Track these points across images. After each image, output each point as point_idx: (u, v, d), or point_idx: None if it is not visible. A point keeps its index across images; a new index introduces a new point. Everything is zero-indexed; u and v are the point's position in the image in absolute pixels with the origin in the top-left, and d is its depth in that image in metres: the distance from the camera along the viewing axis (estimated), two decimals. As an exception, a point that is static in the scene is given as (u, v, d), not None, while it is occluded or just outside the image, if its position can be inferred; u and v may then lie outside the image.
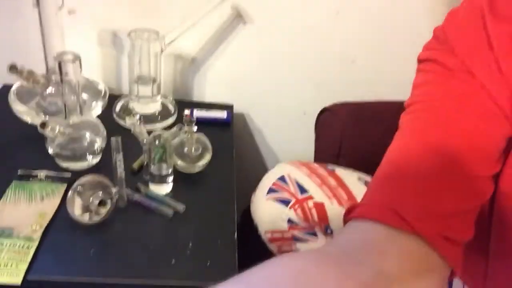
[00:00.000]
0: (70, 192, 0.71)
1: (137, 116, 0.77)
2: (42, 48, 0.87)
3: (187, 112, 1.00)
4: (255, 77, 1.10)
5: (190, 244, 0.72)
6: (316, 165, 0.85)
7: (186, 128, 0.83)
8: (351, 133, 0.97)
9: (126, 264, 0.68)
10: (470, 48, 0.46)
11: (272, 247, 0.81)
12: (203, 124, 0.92)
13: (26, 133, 0.87)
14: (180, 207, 0.77)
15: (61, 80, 0.73)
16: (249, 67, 1.09)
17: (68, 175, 0.79)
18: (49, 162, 0.82)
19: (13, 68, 0.80)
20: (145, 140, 0.78)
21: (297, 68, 1.09)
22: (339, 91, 1.10)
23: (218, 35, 1.03)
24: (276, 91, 1.12)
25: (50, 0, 0.81)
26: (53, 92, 0.87)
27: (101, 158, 0.84)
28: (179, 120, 0.99)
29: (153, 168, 0.78)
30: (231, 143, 0.97)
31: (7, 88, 0.97)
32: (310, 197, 0.78)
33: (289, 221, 0.78)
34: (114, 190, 0.73)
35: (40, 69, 0.93)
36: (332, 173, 0.83)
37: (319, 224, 0.78)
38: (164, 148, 0.76)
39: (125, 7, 0.98)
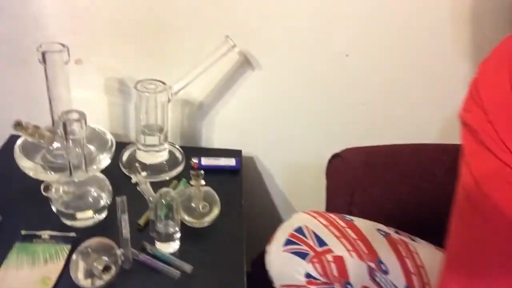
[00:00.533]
0: (73, 256, 0.69)
1: (143, 174, 0.75)
2: (48, 100, 0.86)
3: (194, 160, 0.99)
4: (264, 122, 1.08)
5: (198, 309, 0.69)
6: (333, 216, 0.81)
7: (193, 181, 0.81)
8: (364, 180, 0.94)
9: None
10: (502, 118, 0.45)
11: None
12: (211, 172, 0.90)
13: (32, 188, 0.86)
14: (188, 267, 0.74)
15: (66, 139, 0.72)
16: (257, 112, 1.07)
17: (72, 234, 0.77)
18: (54, 220, 0.80)
19: (18, 125, 0.79)
20: (151, 198, 0.76)
21: (306, 113, 1.07)
22: (349, 135, 1.08)
23: (226, 80, 1.02)
24: (285, 136, 1.10)
25: (56, 56, 0.80)
26: (59, 146, 0.86)
27: (108, 212, 0.82)
28: (187, 168, 0.98)
29: (159, 226, 0.76)
30: (240, 193, 0.94)
31: (14, 139, 0.97)
32: (329, 250, 0.75)
33: (308, 275, 0.75)
34: (119, 252, 0.71)
35: (46, 121, 0.93)
36: (350, 224, 0.80)
37: (338, 280, 0.74)
38: (170, 206, 0.74)
39: (131, 56, 0.98)
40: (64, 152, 0.87)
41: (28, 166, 0.86)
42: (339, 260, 0.74)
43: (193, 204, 0.81)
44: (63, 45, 0.81)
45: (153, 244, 0.78)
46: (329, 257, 0.74)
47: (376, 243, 0.76)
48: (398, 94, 1.04)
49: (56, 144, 0.87)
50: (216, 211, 0.82)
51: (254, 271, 1.02)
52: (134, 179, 0.75)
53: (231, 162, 1.00)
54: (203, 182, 0.82)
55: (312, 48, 0.98)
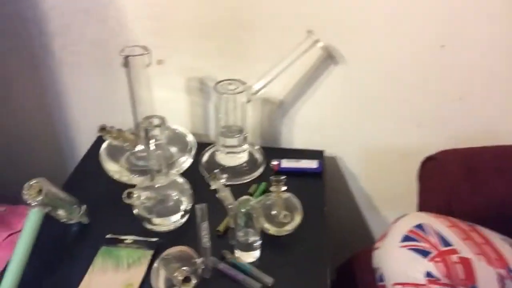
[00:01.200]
0: (155, 264, 0.68)
1: (222, 180, 0.73)
2: (131, 103, 0.86)
3: (274, 163, 0.95)
4: (348, 119, 1.01)
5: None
6: (454, 219, 0.75)
7: (274, 188, 0.77)
8: (463, 188, 0.83)
9: None
10: None
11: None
12: (291, 175, 0.85)
13: (116, 191, 0.87)
14: (269, 280, 0.71)
15: (148, 146, 0.71)
16: (339, 110, 1.00)
17: (155, 239, 0.77)
18: (136, 224, 0.80)
19: (102, 129, 0.80)
20: (230, 206, 0.73)
21: (395, 108, 0.98)
22: (444, 134, 0.97)
23: (307, 77, 0.97)
24: (370, 135, 1.02)
25: (138, 59, 0.80)
26: (142, 148, 0.87)
27: (189, 216, 0.81)
28: (267, 170, 0.94)
29: (239, 235, 0.73)
30: (323, 199, 0.88)
31: (100, 141, 0.99)
32: (454, 251, 0.69)
33: (428, 274, 0.69)
34: (199, 261, 0.69)
35: (129, 122, 0.94)
36: (473, 228, 0.73)
37: (464, 283, 0.67)
38: (250, 215, 0.71)
39: (211, 55, 0.96)
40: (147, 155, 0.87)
41: (113, 169, 0.87)
42: (465, 262, 0.68)
43: (273, 212, 0.77)
44: (145, 48, 0.80)
45: (232, 251, 0.75)
46: (454, 258, 0.68)
47: (504, 249, 0.70)
48: (501, 88, 0.92)
49: (139, 147, 0.88)
50: (298, 219, 0.78)
51: (339, 279, 0.97)
52: (213, 185, 0.73)
53: (313, 164, 0.94)
54: (284, 188, 0.77)
55: (402, 38, 0.89)
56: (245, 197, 0.71)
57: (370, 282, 0.80)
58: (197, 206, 0.68)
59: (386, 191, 1.09)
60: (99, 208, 0.84)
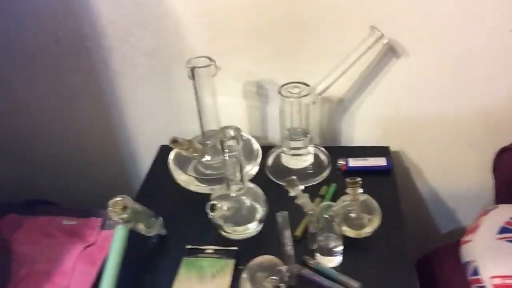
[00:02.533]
0: (243, 275, 0.69)
1: (301, 187, 0.72)
2: (197, 113, 0.87)
3: (342, 162, 0.93)
4: (410, 113, 0.98)
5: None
6: None
7: (350, 190, 0.76)
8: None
9: None
10: None
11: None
12: (359, 174, 0.84)
13: (187, 199, 0.88)
14: (355, 284, 0.70)
15: (224, 158, 0.71)
16: (401, 103, 0.98)
17: (235, 248, 0.77)
18: (213, 232, 0.81)
19: (174, 142, 0.80)
20: (311, 212, 0.72)
21: (461, 98, 0.95)
22: (509, 124, 0.94)
23: (368, 72, 0.95)
24: (435, 126, 0.99)
25: (203, 70, 0.80)
26: (210, 159, 0.87)
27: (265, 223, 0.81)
28: (333, 171, 0.93)
29: (320, 240, 0.72)
30: (397, 197, 0.87)
31: (164, 150, 1.01)
32: None
33: None
34: (284, 269, 0.69)
35: (191, 132, 0.94)
36: None
37: None
38: (332, 220, 0.70)
39: (268, 58, 0.95)
40: (217, 164, 0.88)
41: (183, 178, 0.88)
42: None
43: (352, 215, 0.76)
44: (210, 59, 0.80)
45: (312, 256, 0.75)
46: None
47: None
48: None
49: (207, 156, 0.88)
50: (377, 221, 0.77)
51: (418, 274, 0.95)
52: (292, 192, 0.72)
53: (381, 161, 0.93)
54: (361, 190, 0.76)
55: (466, 24, 0.85)
56: (326, 202, 0.70)
57: (452, 277, 0.79)
58: (279, 214, 0.68)
59: (456, 185, 1.06)
60: (173, 218, 0.84)
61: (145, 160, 1.12)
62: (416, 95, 0.96)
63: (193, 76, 0.79)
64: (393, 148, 1.01)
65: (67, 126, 1.12)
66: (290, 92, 0.85)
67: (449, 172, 1.05)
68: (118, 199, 0.69)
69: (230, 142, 0.71)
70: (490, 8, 0.83)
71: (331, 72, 0.86)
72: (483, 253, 0.71)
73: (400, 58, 0.92)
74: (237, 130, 0.71)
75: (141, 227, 0.76)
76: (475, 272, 0.71)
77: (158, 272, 0.76)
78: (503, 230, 0.70)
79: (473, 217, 0.84)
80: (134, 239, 0.75)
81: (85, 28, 0.95)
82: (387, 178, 0.91)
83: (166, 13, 0.92)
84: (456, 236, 0.88)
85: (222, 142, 0.70)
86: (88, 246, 0.96)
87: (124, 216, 0.69)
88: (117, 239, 0.69)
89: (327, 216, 0.70)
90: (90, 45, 0.97)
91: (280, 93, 0.85)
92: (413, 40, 0.89)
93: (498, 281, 0.68)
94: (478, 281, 0.70)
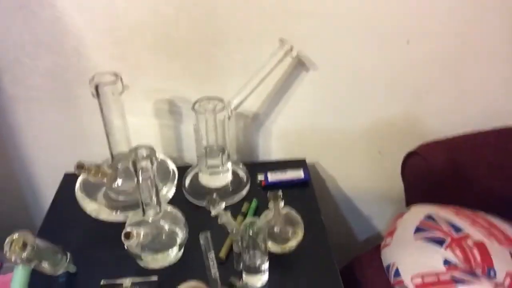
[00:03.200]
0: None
1: (223, 205, 0.69)
2: (105, 134, 0.80)
3: (261, 178, 0.92)
4: (322, 125, 1.01)
5: None
6: (456, 207, 0.77)
7: (271, 204, 0.75)
8: (452, 181, 0.85)
9: None
10: None
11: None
12: (278, 187, 0.83)
13: (97, 230, 0.81)
14: (284, 301, 0.68)
15: (137, 180, 0.66)
16: (315, 115, 0.99)
17: (154, 279, 0.71)
18: (130, 263, 0.74)
19: (80, 167, 0.73)
20: (234, 230, 0.69)
21: (367, 108, 0.99)
22: (413, 130, 1.00)
23: (279, 86, 0.95)
24: (346, 135, 1.02)
25: (109, 87, 0.74)
26: (121, 184, 0.81)
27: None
28: (253, 187, 0.91)
29: (246, 259, 0.69)
30: (317, 207, 0.87)
31: (69, 177, 0.92)
32: (468, 236, 0.72)
33: (446, 262, 0.70)
34: (211, 294, 0.65)
35: (96, 156, 0.87)
36: (477, 214, 0.76)
37: (481, 265, 0.69)
38: (257, 237, 0.67)
39: (179, 76, 0.91)
40: (130, 189, 0.82)
41: (92, 207, 0.80)
42: (480, 246, 0.70)
43: (276, 229, 0.74)
44: (116, 74, 0.75)
45: (239, 277, 0.71)
46: (469, 242, 0.71)
47: (509, 230, 0.74)
48: (467, 78, 0.96)
49: (118, 181, 0.81)
50: (300, 233, 0.76)
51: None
52: (213, 212, 0.69)
53: (299, 174, 0.93)
54: (282, 204, 0.75)
55: (368, 36, 0.90)
56: (250, 218, 0.68)
57: (376, 281, 0.80)
58: (201, 235, 0.64)
59: (368, 191, 1.10)
60: (84, 252, 0.76)
61: (48, 191, 1.01)
62: (326, 107, 0.99)
63: (97, 95, 0.73)
64: (309, 160, 1.02)
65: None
66: (204, 108, 0.82)
67: (363, 180, 1.09)
68: (15, 236, 0.60)
69: (143, 163, 0.65)
70: (387, 23, 0.88)
71: (244, 86, 0.85)
72: (403, 254, 0.73)
73: (309, 72, 0.94)
74: (151, 149, 0.66)
75: (45, 266, 0.68)
76: (397, 274, 0.73)
77: (68, 315, 0.68)
78: (418, 230, 0.72)
79: (389, 221, 0.87)
80: (38, 281, 0.66)
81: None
82: (306, 190, 0.92)
83: (68, 32, 0.85)
84: (375, 242, 0.91)
85: (134, 164, 0.65)
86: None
87: (24, 254, 0.60)
88: (16, 282, 0.60)
89: (251, 233, 0.67)
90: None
91: (193, 109, 0.82)
92: (319, 54, 0.91)
93: (418, 280, 0.70)
94: (400, 282, 0.72)
